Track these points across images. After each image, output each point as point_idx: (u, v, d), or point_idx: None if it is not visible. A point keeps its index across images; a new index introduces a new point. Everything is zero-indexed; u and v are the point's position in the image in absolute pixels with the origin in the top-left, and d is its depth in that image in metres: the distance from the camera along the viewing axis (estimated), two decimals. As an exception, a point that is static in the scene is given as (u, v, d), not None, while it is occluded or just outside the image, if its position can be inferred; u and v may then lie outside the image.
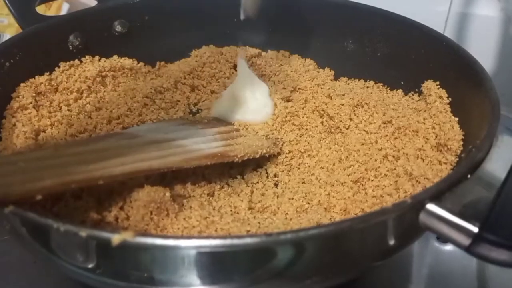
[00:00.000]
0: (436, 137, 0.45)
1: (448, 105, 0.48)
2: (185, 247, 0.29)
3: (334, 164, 0.46)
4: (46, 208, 0.36)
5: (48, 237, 0.31)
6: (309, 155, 0.48)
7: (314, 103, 0.52)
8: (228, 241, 0.28)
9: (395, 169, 0.43)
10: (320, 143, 0.49)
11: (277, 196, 0.44)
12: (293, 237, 0.28)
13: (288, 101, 0.53)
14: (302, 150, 0.48)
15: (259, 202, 0.43)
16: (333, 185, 0.43)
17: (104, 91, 0.53)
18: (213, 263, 0.30)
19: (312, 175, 0.46)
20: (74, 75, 0.52)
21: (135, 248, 0.29)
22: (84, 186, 0.37)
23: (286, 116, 0.50)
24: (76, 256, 0.31)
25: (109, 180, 0.35)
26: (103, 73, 0.54)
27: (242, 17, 0.47)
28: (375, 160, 0.44)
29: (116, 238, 0.28)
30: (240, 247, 0.28)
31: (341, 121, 0.49)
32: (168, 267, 0.30)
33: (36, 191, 0.31)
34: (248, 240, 0.28)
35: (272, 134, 0.49)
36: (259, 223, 0.39)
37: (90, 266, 0.31)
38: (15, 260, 0.46)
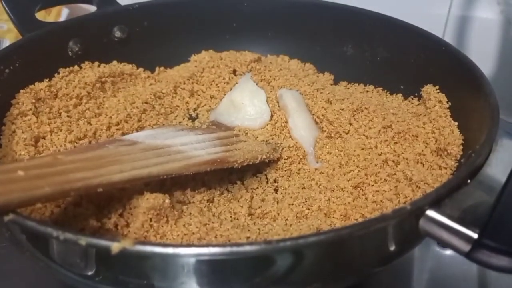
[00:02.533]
0: (436, 141, 0.45)
1: (448, 110, 0.48)
2: (184, 255, 0.29)
3: (334, 169, 0.46)
4: (45, 215, 0.36)
5: (47, 245, 0.31)
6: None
7: (314, 108, 0.52)
8: (227, 249, 0.28)
9: (395, 174, 0.43)
10: (320, 148, 0.49)
11: (277, 202, 0.44)
12: (293, 244, 0.28)
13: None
14: (302, 156, 0.48)
15: (259, 208, 0.43)
16: (333, 191, 0.43)
17: (104, 97, 0.53)
18: (213, 271, 0.30)
19: (312, 180, 0.45)
20: (74, 81, 0.52)
21: (135, 256, 0.29)
22: (83, 193, 0.37)
23: (285, 122, 0.50)
24: (75, 263, 0.31)
25: (108, 188, 0.35)
26: (103, 79, 0.54)
27: None
28: (375, 165, 0.44)
29: (115, 246, 0.28)
30: (240, 255, 0.28)
31: (340, 126, 0.49)
32: (167, 274, 0.30)
33: (35, 199, 0.31)
34: (247, 248, 0.28)
35: (272, 139, 0.49)
36: (258, 229, 0.39)
37: (89, 273, 0.31)
38: (15, 267, 0.46)
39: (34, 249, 0.33)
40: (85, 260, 0.31)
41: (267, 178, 0.47)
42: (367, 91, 0.57)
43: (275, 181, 0.47)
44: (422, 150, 0.44)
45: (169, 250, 0.28)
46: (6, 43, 0.74)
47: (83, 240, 0.28)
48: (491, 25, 0.68)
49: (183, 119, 0.54)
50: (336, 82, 0.60)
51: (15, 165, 0.32)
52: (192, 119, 0.54)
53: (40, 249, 0.33)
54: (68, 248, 0.30)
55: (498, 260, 0.29)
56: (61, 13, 0.76)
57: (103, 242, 0.28)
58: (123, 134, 0.49)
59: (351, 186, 0.43)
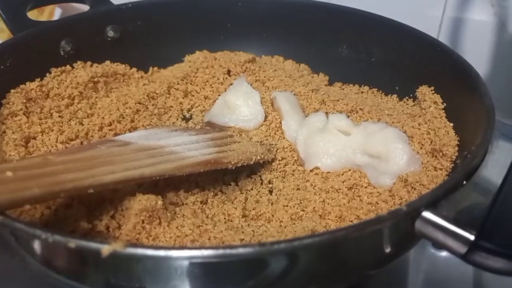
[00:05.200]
0: (431, 142, 0.45)
1: (443, 111, 0.47)
2: (177, 258, 0.28)
3: (328, 171, 0.45)
4: (35, 217, 0.36)
5: (37, 248, 0.30)
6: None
7: (308, 109, 0.52)
8: (220, 251, 0.28)
9: (390, 175, 0.42)
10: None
11: (272, 203, 0.43)
12: (287, 246, 0.28)
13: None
14: (296, 157, 0.48)
15: (253, 209, 0.42)
16: (328, 192, 0.43)
17: (96, 97, 0.53)
18: (206, 273, 0.30)
19: (306, 181, 0.45)
20: (66, 81, 0.52)
21: (126, 259, 0.28)
22: (74, 195, 0.36)
23: (280, 123, 0.50)
24: (65, 267, 0.31)
25: (100, 189, 0.35)
26: (95, 79, 0.53)
27: None
28: (370, 166, 0.44)
29: (105, 249, 0.27)
30: (233, 257, 0.28)
31: (335, 127, 0.49)
32: (160, 277, 0.30)
33: (24, 200, 0.31)
34: (241, 250, 0.28)
35: (266, 140, 0.49)
36: (253, 231, 0.39)
37: (79, 276, 0.31)
38: (6, 268, 0.45)
39: (24, 252, 0.32)
40: (75, 263, 0.30)
41: (261, 179, 0.47)
42: (362, 92, 0.57)
43: (269, 182, 0.46)
44: (418, 151, 0.44)
45: (161, 253, 0.28)
46: (-2, 42, 0.73)
47: (73, 243, 0.27)
48: (485, 27, 0.68)
49: (177, 119, 0.53)
50: (331, 83, 0.59)
51: (3, 166, 0.31)
52: (186, 119, 0.54)
53: (30, 252, 0.32)
54: (58, 251, 0.30)
55: (495, 262, 0.28)
56: (54, 13, 0.75)
57: (93, 245, 0.28)
58: (116, 134, 0.48)
59: (346, 187, 0.43)
